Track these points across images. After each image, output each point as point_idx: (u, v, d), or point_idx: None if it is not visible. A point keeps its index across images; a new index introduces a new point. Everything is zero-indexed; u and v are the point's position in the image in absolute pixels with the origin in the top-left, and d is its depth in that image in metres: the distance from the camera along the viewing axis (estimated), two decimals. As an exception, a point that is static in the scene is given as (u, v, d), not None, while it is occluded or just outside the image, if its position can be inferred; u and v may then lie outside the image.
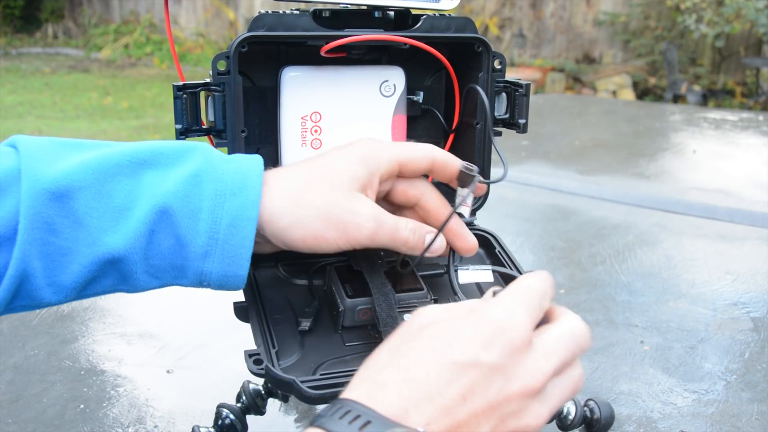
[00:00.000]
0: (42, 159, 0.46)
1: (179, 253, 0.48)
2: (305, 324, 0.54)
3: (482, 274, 0.59)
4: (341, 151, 0.52)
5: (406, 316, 0.50)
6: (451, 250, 0.57)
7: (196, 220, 0.47)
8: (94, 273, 0.46)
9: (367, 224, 0.50)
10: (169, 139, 0.51)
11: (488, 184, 0.59)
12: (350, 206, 0.50)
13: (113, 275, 0.47)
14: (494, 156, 0.64)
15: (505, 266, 0.60)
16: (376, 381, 0.38)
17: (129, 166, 0.47)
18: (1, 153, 0.46)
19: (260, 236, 0.50)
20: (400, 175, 0.54)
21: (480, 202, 0.65)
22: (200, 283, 0.49)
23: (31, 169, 0.45)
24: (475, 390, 0.38)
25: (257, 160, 0.50)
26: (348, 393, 0.38)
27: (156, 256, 0.47)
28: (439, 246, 0.53)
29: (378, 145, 0.53)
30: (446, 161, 0.54)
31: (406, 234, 0.51)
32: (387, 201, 0.55)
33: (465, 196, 0.55)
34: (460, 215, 0.57)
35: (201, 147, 0.50)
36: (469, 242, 0.55)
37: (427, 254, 0.53)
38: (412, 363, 0.38)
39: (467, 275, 0.59)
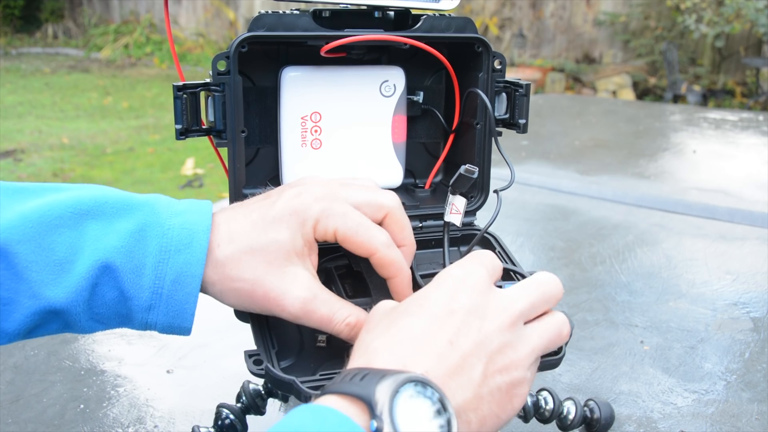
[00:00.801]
0: None
1: (123, 305, 0.48)
2: (322, 338, 0.54)
3: None
4: (282, 207, 0.49)
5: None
6: (447, 247, 0.57)
7: (139, 276, 0.47)
8: (36, 322, 0.46)
9: (291, 308, 0.49)
10: (116, 188, 0.50)
11: (498, 193, 0.59)
12: (278, 286, 0.48)
13: (57, 322, 0.47)
14: (495, 156, 0.64)
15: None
16: (368, 352, 0.41)
17: (71, 218, 0.46)
18: None
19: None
20: (340, 244, 0.51)
21: (480, 202, 0.65)
22: (146, 328, 0.49)
23: None
24: (458, 333, 0.41)
25: (205, 212, 0.49)
26: (348, 366, 0.41)
27: (100, 306, 0.47)
28: None
29: (325, 206, 0.49)
30: (385, 265, 0.50)
31: (341, 328, 0.50)
32: None
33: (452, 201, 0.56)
34: (451, 224, 0.57)
35: (146, 200, 0.49)
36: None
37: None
38: (395, 330, 0.42)
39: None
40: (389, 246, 0.50)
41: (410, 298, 0.44)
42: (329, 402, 0.38)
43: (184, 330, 0.49)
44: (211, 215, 0.49)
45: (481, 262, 0.45)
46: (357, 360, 0.41)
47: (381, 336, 0.42)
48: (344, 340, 0.51)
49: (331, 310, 0.49)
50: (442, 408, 0.37)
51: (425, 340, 0.41)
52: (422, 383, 0.37)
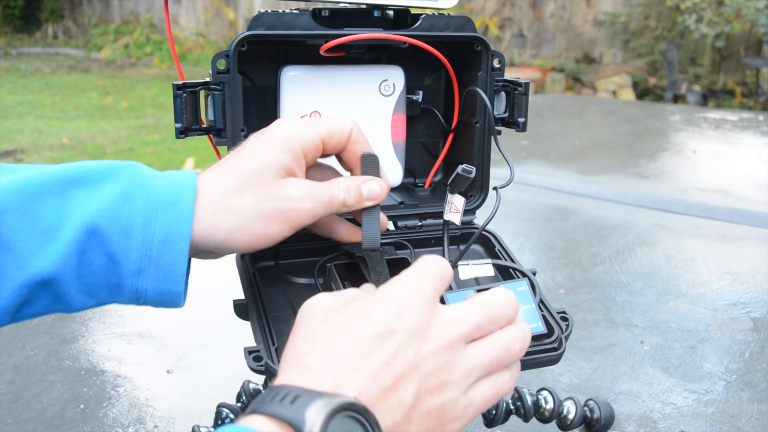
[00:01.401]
0: None
1: (113, 271, 0.47)
2: None
3: (483, 268, 0.59)
4: (261, 139, 0.51)
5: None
6: (447, 246, 0.57)
7: (127, 238, 0.46)
8: (25, 296, 0.45)
9: (303, 204, 0.50)
10: (101, 159, 0.50)
11: (497, 190, 0.59)
12: (282, 194, 0.49)
13: (46, 296, 0.46)
14: (494, 155, 0.64)
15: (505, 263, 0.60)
16: (301, 366, 0.40)
17: (56, 185, 0.46)
18: None
19: (204, 251, 0.50)
20: (324, 151, 0.53)
21: (479, 201, 0.65)
22: (137, 300, 0.49)
23: None
24: (396, 355, 0.40)
25: (190, 174, 0.49)
26: (277, 382, 0.40)
27: (89, 275, 0.47)
28: (378, 190, 0.54)
29: (296, 124, 0.52)
30: (359, 139, 0.54)
31: (342, 195, 0.51)
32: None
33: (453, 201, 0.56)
34: (451, 222, 0.57)
35: (131, 164, 0.49)
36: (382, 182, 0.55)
37: (368, 202, 0.53)
38: (333, 344, 0.41)
39: (468, 270, 0.59)
40: (366, 142, 0.54)
41: (353, 309, 0.43)
42: (256, 423, 0.37)
43: (176, 296, 0.48)
44: (195, 175, 0.49)
45: (426, 279, 0.44)
46: (288, 372, 0.40)
47: (317, 348, 0.41)
48: None
49: (327, 187, 0.51)
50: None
51: (361, 360, 0.40)
52: (353, 408, 0.37)
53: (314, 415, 0.35)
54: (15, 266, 0.45)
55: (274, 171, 0.49)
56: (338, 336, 0.41)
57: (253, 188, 0.49)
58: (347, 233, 0.56)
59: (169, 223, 0.47)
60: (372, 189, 0.53)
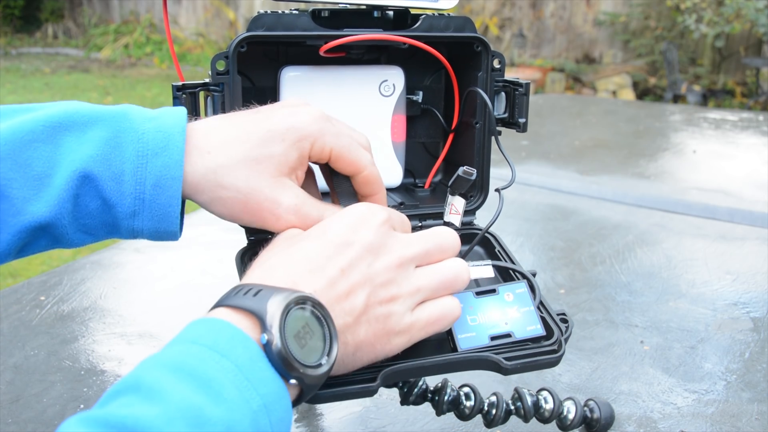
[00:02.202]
0: None
1: (108, 213, 0.48)
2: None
3: (483, 269, 0.59)
4: (281, 122, 0.49)
5: None
6: None
7: (120, 183, 0.47)
8: (24, 240, 0.46)
9: (287, 216, 0.50)
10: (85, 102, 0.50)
11: (500, 192, 0.58)
12: (272, 196, 0.49)
13: (45, 238, 0.47)
14: (494, 156, 0.64)
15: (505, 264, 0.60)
16: (264, 267, 0.44)
17: (44, 131, 0.46)
18: None
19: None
20: (330, 163, 0.52)
21: (480, 202, 0.65)
22: (134, 236, 0.50)
23: None
24: (352, 264, 0.44)
25: (180, 114, 0.49)
26: (242, 280, 0.44)
27: (85, 217, 0.48)
28: None
29: (321, 127, 0.50)
30: (371, 182, 0.53)
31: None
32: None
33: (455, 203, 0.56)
34: (451, 224, 0.57)
35: (119, 108, 0.49)
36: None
37: None
38: (294, 250, 0.45)
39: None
40: (374, 164, 0.53)
41: (315, 226, 0.47)
42: (221, 315, 0.41)
43: (171, 234, 0.49)
44: (185, 118, 0.49)
45: (387, 210, 0.48)
46: (253, 273, 0.44)
47: (279, 254, 0.45)
48: None
49: (319, 212, 0.51)
50: (327, 327, 0.41)
51: (319, 264, 0.44)
52: (311, 302, 0.41)
53: (275, 306, 0.39)
54: (12, 213, 0.45)
55: (278, 166, 0.49)
56: (299, 245, 0.45)
57: (249, 172, 0.48)
58: None
59: (160, 167, 0.47)
60: None
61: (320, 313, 0.41)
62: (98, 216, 0.48)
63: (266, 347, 0.39)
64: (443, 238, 0.49)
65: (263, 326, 0.39)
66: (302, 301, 0.40)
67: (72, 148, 0.46)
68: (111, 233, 0.49)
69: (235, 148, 0.48)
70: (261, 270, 0.44)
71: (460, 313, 0.49)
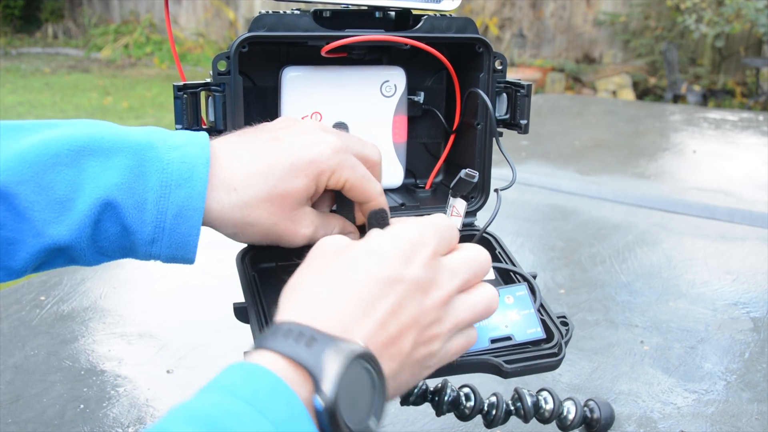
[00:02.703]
0: None
1: (127, 238, 0.48)
2: None
3: None
4: (300, 155, 0.50)
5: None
6: None
7: (141, 211, 0.47)
8: (42, 259, 0.47)
9: (301, 241, 0.52)
10: (111, 122, 0.50)
11: (498, 192, 0.59)
12: (292, 227, 0.51)
13: (62, 258, 0.48)
14: (495, 156, 0.64)
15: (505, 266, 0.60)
16: (313, 302, 0.40)
17: (68, 155, 0.46)
18: None
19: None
20: (343, 192, 0.53)
21: (480, 203, 0.65)
22: (150, 259, 0.50)
23: None
24: (403, 304, 0.41)
25: (203, 144, 0.49)
26: (285, 316, 0.40)
27: (103, 240, 0.48)
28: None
29: (341, 159, 0.51)
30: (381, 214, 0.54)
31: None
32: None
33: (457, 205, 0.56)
34: None
35: (143, 132, 0.49)
36: None
37: None
38: (344, 282, 0.41)
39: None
40: (382, 194, 0.54)
41: (366, 245, 0.44)
42: (265, 361, 0.36)
43: (188, 260, 0.50)
44: (209, 148, 0.49)
45: (439, 232, 0.46)
46: (297, 307, 0.40)
47: (327, 285, 0.41)
48: None
49: (326, 230, 0.53)
50: (377, 382, 0.38)
51: (372, 304, 0.40)
52: (367, 357, 0.37)
53: (332, 363, 0.35)
54: (32, 234, 0.46)
55: (299, 199, 0.50)
56: (349, 275, 0.42)
57: (273, 208, 0.50)
58: None
59: (183, 198, 0.47)
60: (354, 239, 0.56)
61: (373, 369, 0.38)
62: (117, 240, 0.48)
63: (316, 408, 0.35)
64: (481, 260, 0.47)
65: (316, 386, 0.35)
66: (359, 357, 0.37)
67: (96, 174, 0.47)
68: (127, 255, 0.50)
69: (259, 185, 0.49)
70: (308, 306, 0.40)
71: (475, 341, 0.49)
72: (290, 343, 0.37)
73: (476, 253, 0.47)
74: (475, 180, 0.55)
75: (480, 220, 0.65)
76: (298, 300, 0.41)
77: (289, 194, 0.50)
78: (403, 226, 0.46)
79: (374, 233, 0.46)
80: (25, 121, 0.48)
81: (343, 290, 0.41)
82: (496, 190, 0.58)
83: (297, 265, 0.59)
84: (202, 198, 0.48)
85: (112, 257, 0.50)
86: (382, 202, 0.54)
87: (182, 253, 0.49)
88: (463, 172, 0.55)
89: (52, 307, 0.96)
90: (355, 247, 0.44)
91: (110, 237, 0.48)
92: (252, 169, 0.49)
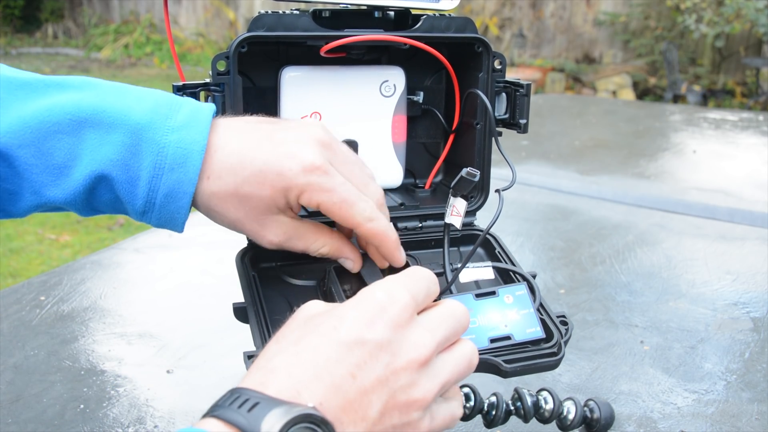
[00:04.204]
0: None
1: (120, 205, 0.51)
2: None
3: (483, 271, 0.59)
4: (273, 161, 0.49)
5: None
6: (447, 249, 0.57)
7: (134, 186, 0.49)
8: (41, 211, 0.50)
9: (268, 245, 0.53)
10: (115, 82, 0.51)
11: (500, 192, 0.58)
12: (257, 230, 0.52)
13: (60, 210, 0.51)
14: (494, 156, 0.64)
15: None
16: (267, 368, 0.39)
17: (69, 125, 0.48)
18: None
19: None
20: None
21: (480, 203, 0.65)
22: (142, 222, 0.52)
23: None
24: (363, 367, 0.39)
25: (203, 128, 0.49)
26: (242, 382, 0.39)
27: (98, 203, 0.51)
28: (350, 268, 0.56)
29: (310, 180, 0.49)
30: (371, 237, 0.52)
31: (317, 255, 0.54)
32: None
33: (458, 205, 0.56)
34: (451, 225, 0.57)
35: (146, 107, 0.49)
36: (398, 260, 0.55)
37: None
38: (301, 348, 0.40)
39: (468, 273, 0.59)
40: (371, 219, 0.50)
41: (333, 309, 0.42)
42: (211, 426, 0.36)
43: (176, 230, 0.52)
44: (207, 135, 0.49)
45: (408, 288, 0.43)
46: (254, 374, 0.39)
47: (286, 350, 0.40)
48: None
49: (306, 244, 0.53)
50: None
51: (327, 367, 0.38)
52: (312, 419, 0.36)
53: (270, 426, 0.35)
54: (30, 191, 0.48)
55: (264, 207, 0.51)
56: (307, 341, 0.40)
57: (237, 206, 0.51)
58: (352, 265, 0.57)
59: (174, 182, 0.49)
60: (348, 266, 0.56)
61: (322, 431, 0.36)
62: (110, 204, 0.51)
63: None
64: (459, 316, 0.45)
65: None
66: (302, 419, 0.35)
67: (94, 147, 0.48)
68: (120, 213, 0.53)
69: (227, 180, 0.50)
70: (263, 372, 0.39)
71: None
72: (233, 408, 0.37)
73: (454, 308, 0.45)
74: (477, 179, 0.55)
75: (480, 219, 0.65)
76: (256, 367, 0.40)
77: (253, 198, 0.50)
78: (371, 287, 0.43)
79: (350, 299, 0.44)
80: (34, 77, 0.49)
81: (298, 355, 0.39)
82: (497, 191, 0.58)
83: (297, 265, 0.59)
84: (192, 184, 0.49)
85: (106, 213, 0.53)
86: (373, 227, 0.51)
87: (170, 226, 0.52)
88: (464, 171, 0.55)
89: (52, 307, 0.96)
90: (323, 314, 0.42)
91: (104, 202, 0.50)
92: (228, 162, 0.50)
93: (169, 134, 0.49)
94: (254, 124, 0.52)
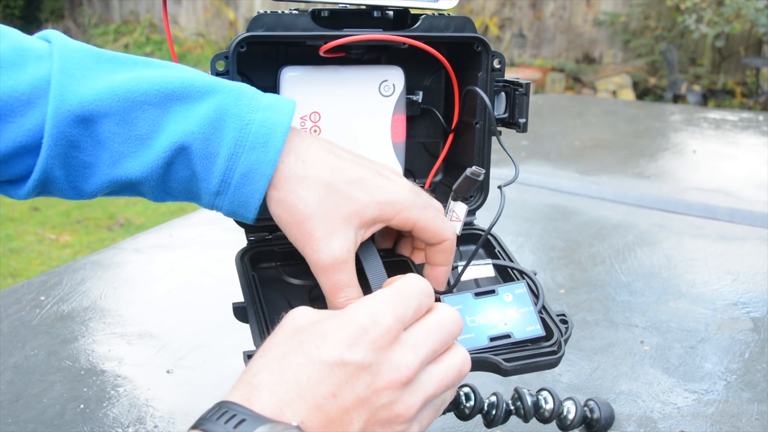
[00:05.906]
0: (72, 75, 0.46)
1: (194, 184, 0.50)
2: None
3: (483, 269, 0.59)
4: (373, 179, 0.51)
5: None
6: None
7: (212, 163, 0.48)
8: (112, 188, 0.49)
9: (324, 256, 0.49)
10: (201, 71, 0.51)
11: (501, 188, 0.58)
12: (328, 232, 0.49)
13: (131, 191, 0.50)
14: (494, 155, 0.64)
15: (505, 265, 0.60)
16: (252, 384, 0.40)
17: (157, 96, 0.47)
18: (34, 55, 0.46)
19: None
20: (414, 234, 0.53)
21: (480, 202, 0.65)
22: (212, 209, 0.51)
23: (59, 87, 0.45)
24: (344, 386, 0.39)
25: (287, 112, 0.49)
26: (228, 396, 0.40)
27: (172, 181, 0.49)
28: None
29: (410, 198, 0.51)
30: (448, 252, 0.54)
31: (337, 303, 0.50)
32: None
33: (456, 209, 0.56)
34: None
35: (233, 86, 0.49)
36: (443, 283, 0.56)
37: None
38: (284, 366, 0.40)
39: (468, 271, 0.59)
40: (455, 234, 0.54)
41: (313, 331, 0.42)
42: None
43: (247, 219, 0.51)
44: (291, 117, 0.49)
45: (393, 311, 0.42)
46: (240, 388, 0.40)
47: (269, 366, 0.41)
48: None
49: (346, 284, 0.50)
50: None
51: (309, 387, 0.39)
52: None
53: None
54: (108, 163, 0.48)
55: (352, 213, 0.50)
56: (290, 359, 0.41)
57: (327, 198, 0.49)
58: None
59: (254, 162, 0.48)
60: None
61: None
62: (185, 183, 0.50)
63: None
64: (449, 325, 0.44)
65: None
66: None
67: (178, 119, 0.48)
68: (191, 200, 0.51)
69: (326, 171, 0.49)
70: (248, 387, 0.40)
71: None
72: (220, 423, 0.37)
73: (443, 318, 0.44)
74: (481, 178, 0.55)
75: (479, 218, 0.65)
76: (243, 381, 0.41)
77: (347, 199, 0.50)
78: (356, 306, 0.43)
79: (331, 312, 0.44)
80: (122, 55, 0.49)
81: (282, 373, 0.40)
82: (499, 187, 0.58)
83: (296, 265, 0.59)
84: (272, 165, 0.48)
85: (177, 198, 0.51)
86: (453, 242, 0.53)
87: (242, 211, 0.50)
88: (468, 170, 0.55)
89: (52, 307, 0.96)
90: (308, 328, 0.42)
91: (179, 179, 0.49)
92: (326, 158, 0.50)
93: (255, 113, 0.48)
94: (331, 143, 0.53)
